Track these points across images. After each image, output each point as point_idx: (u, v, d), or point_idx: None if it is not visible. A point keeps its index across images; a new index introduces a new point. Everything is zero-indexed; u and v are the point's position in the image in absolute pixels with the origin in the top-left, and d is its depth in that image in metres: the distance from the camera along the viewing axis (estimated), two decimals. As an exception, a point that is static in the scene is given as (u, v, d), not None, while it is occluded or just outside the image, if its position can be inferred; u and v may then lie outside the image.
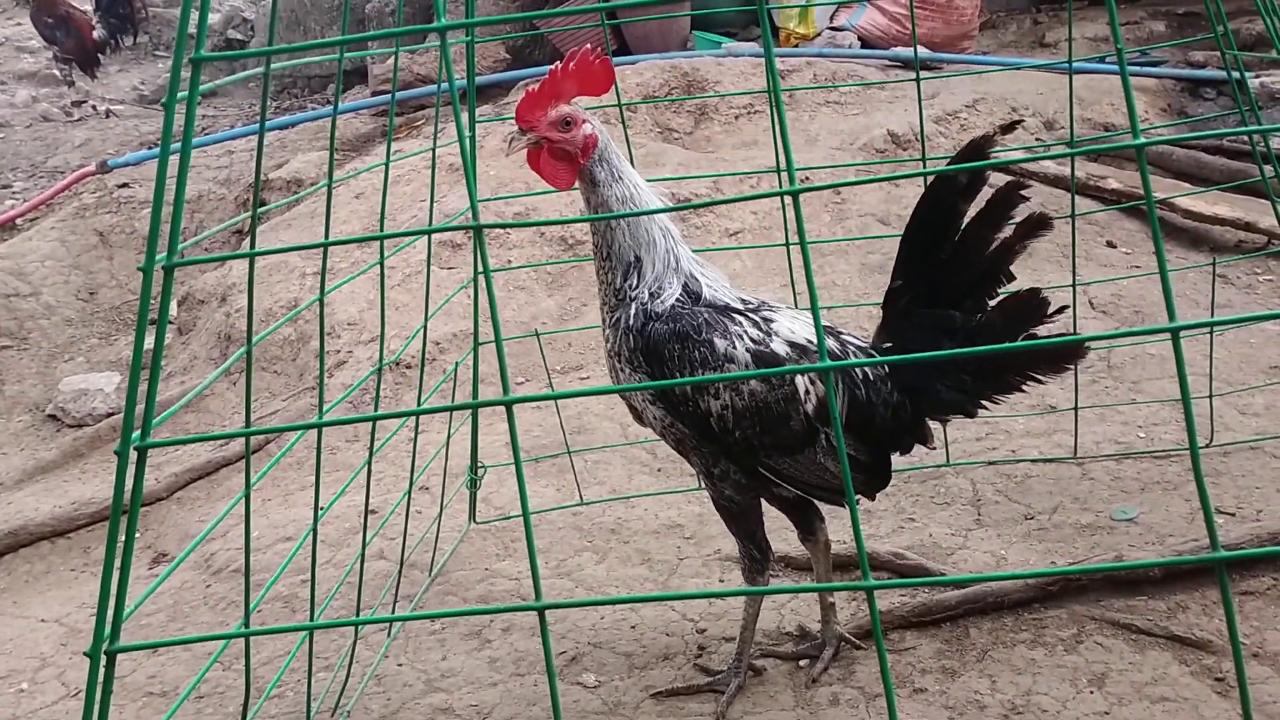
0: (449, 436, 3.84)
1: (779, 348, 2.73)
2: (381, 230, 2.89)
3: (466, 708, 3.13)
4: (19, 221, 7.58)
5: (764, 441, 2.75)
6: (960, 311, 2.77)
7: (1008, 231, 2.77)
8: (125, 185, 7.54)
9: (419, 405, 3.46)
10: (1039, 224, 2.72)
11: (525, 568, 3.81)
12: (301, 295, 5.77)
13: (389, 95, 8.43)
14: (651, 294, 2.71)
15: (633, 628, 3.43)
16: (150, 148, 8.94)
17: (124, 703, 3.34)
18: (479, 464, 4.05)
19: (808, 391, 2.74)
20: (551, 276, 5.91)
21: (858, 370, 2.79)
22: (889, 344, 2.86)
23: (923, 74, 8.06)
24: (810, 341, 2.76)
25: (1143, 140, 1.43)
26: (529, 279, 5.84)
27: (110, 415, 5.60)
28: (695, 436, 2.77)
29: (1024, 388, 2.82)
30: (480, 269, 4.10)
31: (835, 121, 7.12)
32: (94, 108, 10.86)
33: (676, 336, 2.68)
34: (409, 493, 3.52)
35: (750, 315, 2.77)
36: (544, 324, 5.46)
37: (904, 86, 6.93)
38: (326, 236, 2.33)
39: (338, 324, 5.52)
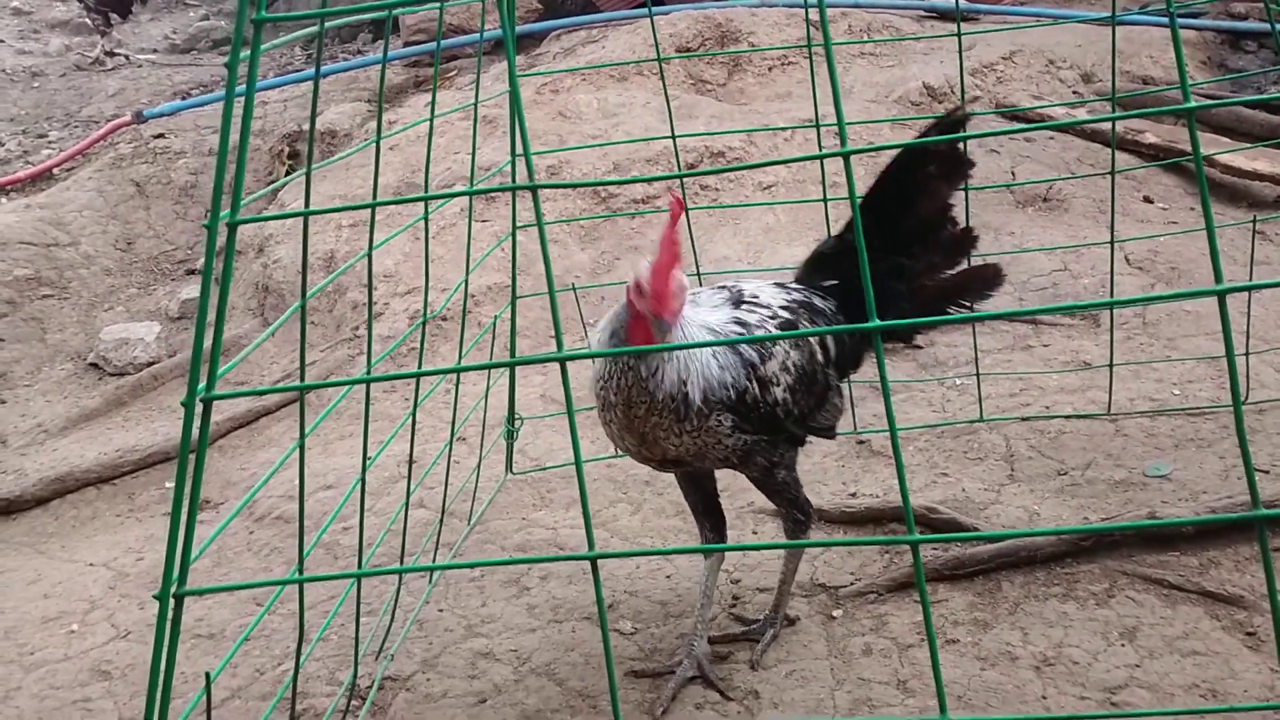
0: (487, 390, 3.90)
1: (786, 315, 2.88)
2: (426, 190, 2.93)
3: (506, 652, 3.20)
4: (56, 171, 7.65)
5: (809, 405, 2.88)
6: (908, 258, 2.99)
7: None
8: (161, 136, 7.58)
9: (459, 359, 3.50)
10: (960, 165, 3.00)
11: (561, 517, 3.87)
12: (338, 247, 5.82)
13: (422, 46, 8.39)
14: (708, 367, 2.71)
15: (668, 577, 3.48)
16: (183, 98, 8.97)
17: (173, 645, 3.43)
18: (516, 416, 4.11)
19: (823, 344, 2.92)
20: (584, 230, 5.93)
21: (828, 314, 2.98)
22: (835, 281, 3.05)
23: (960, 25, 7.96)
24: (790, 302, 2.93)
25: (1193, 104, 1.44)
26: (562, 233, 5.87)
27: (151, 364, 5.68)
28: (765, 438, 2.80)
29: (951, 312, 3.10)
30: (522, 225, 4.11)
31: (870, 74, 7.07)
32: (127, 57, 10.89)
33: (745, 363, 2.74)
34: (450, 444, 3.58)
35: (747, 303, 2.87)
36: (577, 278, 5.49)
37: (938, 40, 6.86)
38: (374, 196, 2.36)
39: (374, 276, 5.57)
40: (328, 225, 5.92)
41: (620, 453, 2.98)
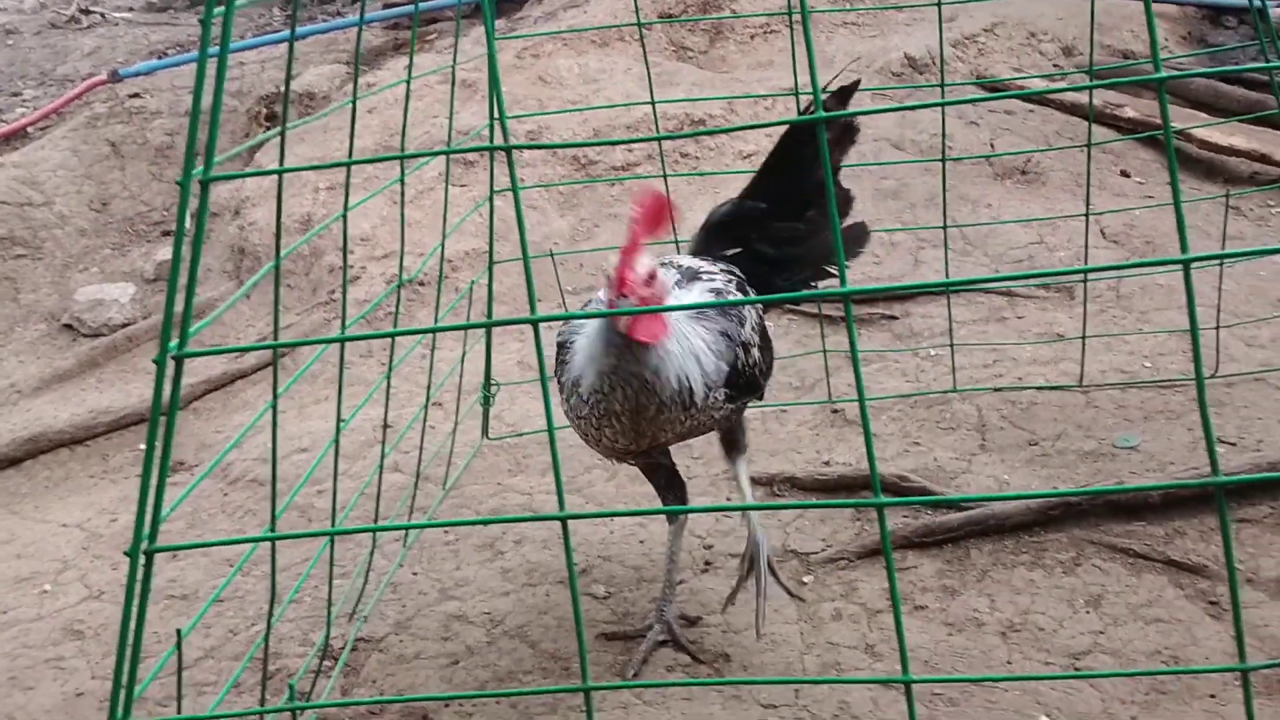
0: (463, 354, 3.90)
1: (732, 282, 2.96)
2: (402, 150, 2.92)
3: (480, 615, 3.22)
4: (30, 130, 7.56)
5: (770, 359, 2.99)
6: (803, 222, 3.10)
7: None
8: (136, 95, 7.50)
9: (435, 322, 3.50)
10: (851, 130, 3.12)
11: (536, 483, 3.89)
12: (314, 209, 5.79)
13: (401, 8, 8.31)
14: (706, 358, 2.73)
15: (641, 542, 3.51)
16: (160, 57, 8.87)
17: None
18: (492, 381, 4.11)
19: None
20: (564, 196, 5.91)
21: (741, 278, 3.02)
22: (738, 249, 3.11)
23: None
24: (725, 269, 3.00)
25: (1164, 74, 1.45)
26: (541, 199, 5.85)
27: (125, 325, 5.65)
28: (744, 400, 2.88)
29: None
30: (500, 189, 4.10)
31: (852, 43, 7.04)
32: (103, 15, 10.75)
33: (724, 335, 2.78)
34: (425, 409, 3.58)
35: (702, 278, 2.90)
36: (556, 244, 5.47)
37: (921, 10, 6.85)
38: (350, 155, 2.35)
39: (351, 239, 5.54)
40: (304, 188, 5.88)
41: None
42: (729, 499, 3.69)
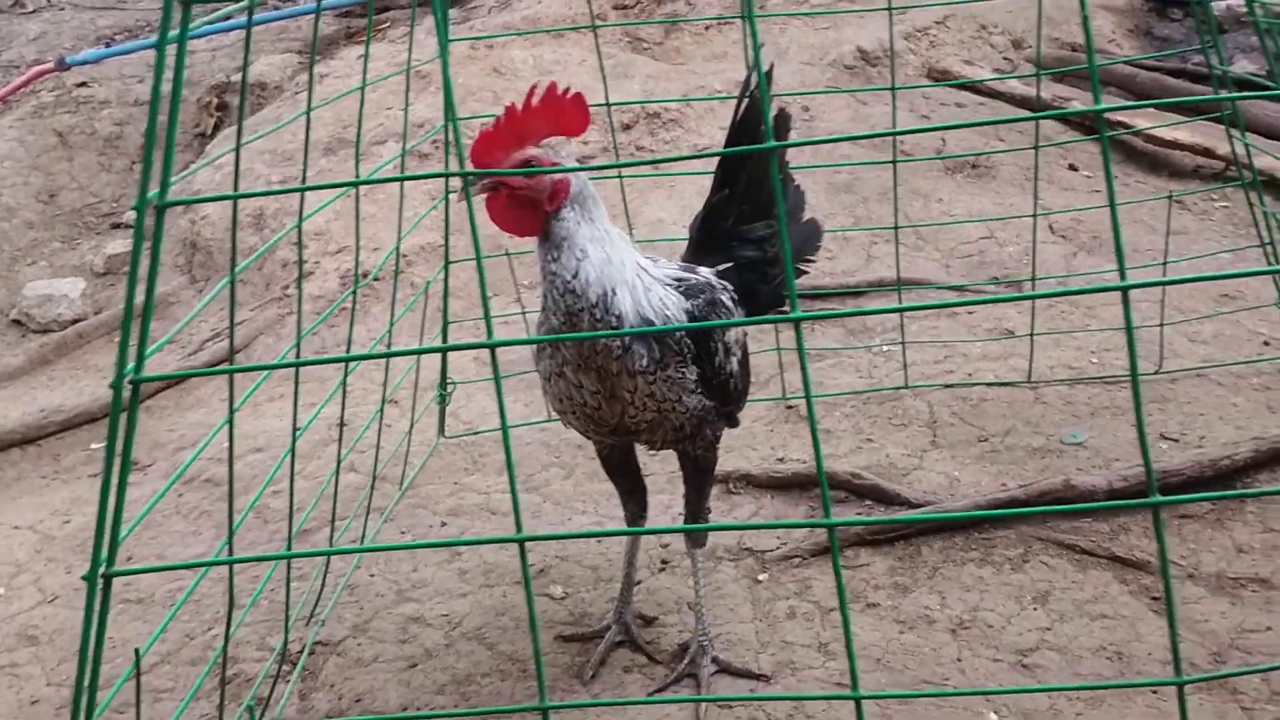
0: (420, 353, 3.90)
1: (725, 289, 2.86)
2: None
3: (437, 617, 3.24)
4: (-26, 119, 7.43)
5: (746, 383, 2.93)
6: (767, 226, 3.01)
7: None
8: (84, 84, 7.39)
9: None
10: (786, 120, 3.10)
11: (493, 482, 3.90)
12: (266, 204, 5.75)
13: (355, -2, 8.15)
14: (656, 305, 2.63)
15: (599, 542, 3.54)
16: (108, 43, 8.73)
17: (101, 609, 3.42)
18: (448, 380, 4.12)
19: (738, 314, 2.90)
20: (519, 189, 5.90)
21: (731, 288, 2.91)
22: (728, 264, 2.95)
23: (894, -13, 7.98)
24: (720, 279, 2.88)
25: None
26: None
27: (76, 321, 5.59)
28: (714, 408, 2.77)
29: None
30: (456, 189, 4.07)
31: (806, 35, 7.08)
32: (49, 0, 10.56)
33: (712, 305, 2.70)
34: (381, 408, 3.58)
35: (691, 271, 2.83)
36: (512, 238, 5.46)
37: (873, 1, 6.90)
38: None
39: (304, 234, 5.51)
40: (256, 181, 5.84)
41: (551, 418, 2.97)
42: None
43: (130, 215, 6.42)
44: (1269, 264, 4.09)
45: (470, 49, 6.72)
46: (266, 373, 2.65)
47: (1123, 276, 1.50)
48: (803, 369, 1.56)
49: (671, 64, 6.94)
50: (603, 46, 6.82)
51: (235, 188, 1.96)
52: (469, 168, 2.41)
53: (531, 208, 2.51)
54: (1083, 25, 1.39)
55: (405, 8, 8.05)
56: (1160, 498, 1.49)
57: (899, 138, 6.06)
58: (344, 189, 3.02)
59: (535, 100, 2.48)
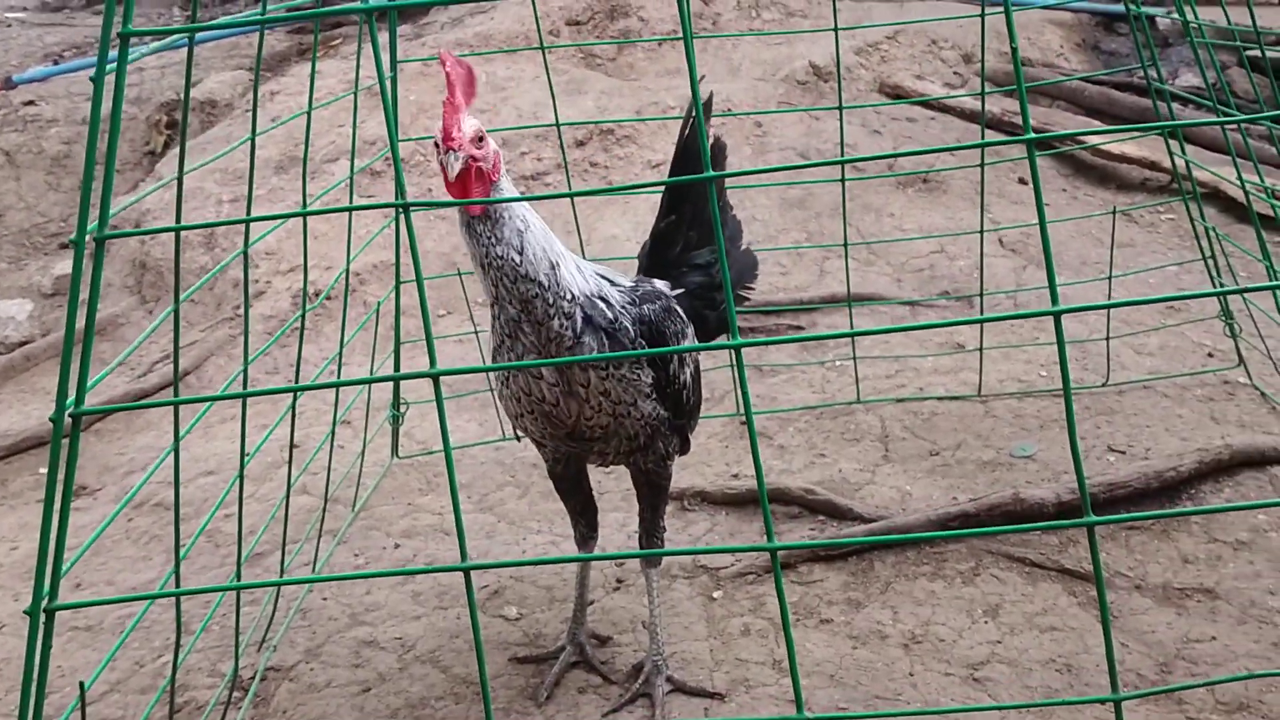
0: (372, 374, 3.88)
1: (674, 301, 2.87)
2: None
3: (390, 640, 3.22)
4: (-81, 138, 7.32)
5: (698, 394, 2.94)
6: (711, 252, 3.06)
7: None
8: (31, 103, 7.31)
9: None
10: (721, 149, 3.13)
11: (447, 503, 3.89)
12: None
13: (305, 12, 8.21)
14: (599, 290, 2.64)
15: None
16: (55, 62, 8.65)
17: (49, 638, 3.37)
18: (401, 400, 4.11)
19: (693, 331, 2.92)
20: (473, 206, 5.90)
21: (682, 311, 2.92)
22: (679, 290, 2.97)
23: (846, 1, 8.06)
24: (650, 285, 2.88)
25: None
26: (450, 210, 5.83)
27: (23, 344, 5.52)
28: (667, 420, 2.78)
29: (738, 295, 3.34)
30: (408, 207, 4.11)
31: (758, 51, 7.14)
32: (-6, 16, 10.43)
33: (667, 313, 2.73)
34: (333, 429, 3.57)
35: (646, 282, 2.84)
36: (465, 255, 5.46)
37: (827, 15, 6.96)
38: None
39: (255, 253, 5.48)
40: (206, 200, 5.80)
41: (519, 434, 2.94)
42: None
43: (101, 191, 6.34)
44: (1210, 276, 4.16)
45: (423, 65, 6.71)
46: (210, 403, 2.62)
47: (1055, 301, 1.53)
48: (743, 392, 1.58)
49: (625, 80, 6.97)
50: (557, 62, 6.85)
51: (177, 219, 1.95)
52: (440, 151, 2.42)
53: (481, 178, 2.52)
54: (1012, 57, 1.40)
55: (357, 24, 8.02)
56: (1095, 518, 1.51)
57: (849, 149, 6.12)
58: (287, 218, 3.00)
59: (455, 73, 2.49)
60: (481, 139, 2.48)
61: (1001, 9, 1.60)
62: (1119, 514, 3.48)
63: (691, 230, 3.05)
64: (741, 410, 4.24)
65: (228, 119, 7.05)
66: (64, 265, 6.10)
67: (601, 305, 2.61)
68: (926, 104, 6.63)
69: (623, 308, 2.66)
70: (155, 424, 4.73)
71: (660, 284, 2.86)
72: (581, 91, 6.60)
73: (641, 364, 2.66)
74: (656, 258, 3.06)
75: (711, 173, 1.55)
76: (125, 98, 7.13)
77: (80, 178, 6.90)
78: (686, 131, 2.98)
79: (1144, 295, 4.80)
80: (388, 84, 3.47)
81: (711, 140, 3.05)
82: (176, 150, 6.76)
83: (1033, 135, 1.49)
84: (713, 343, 3.02)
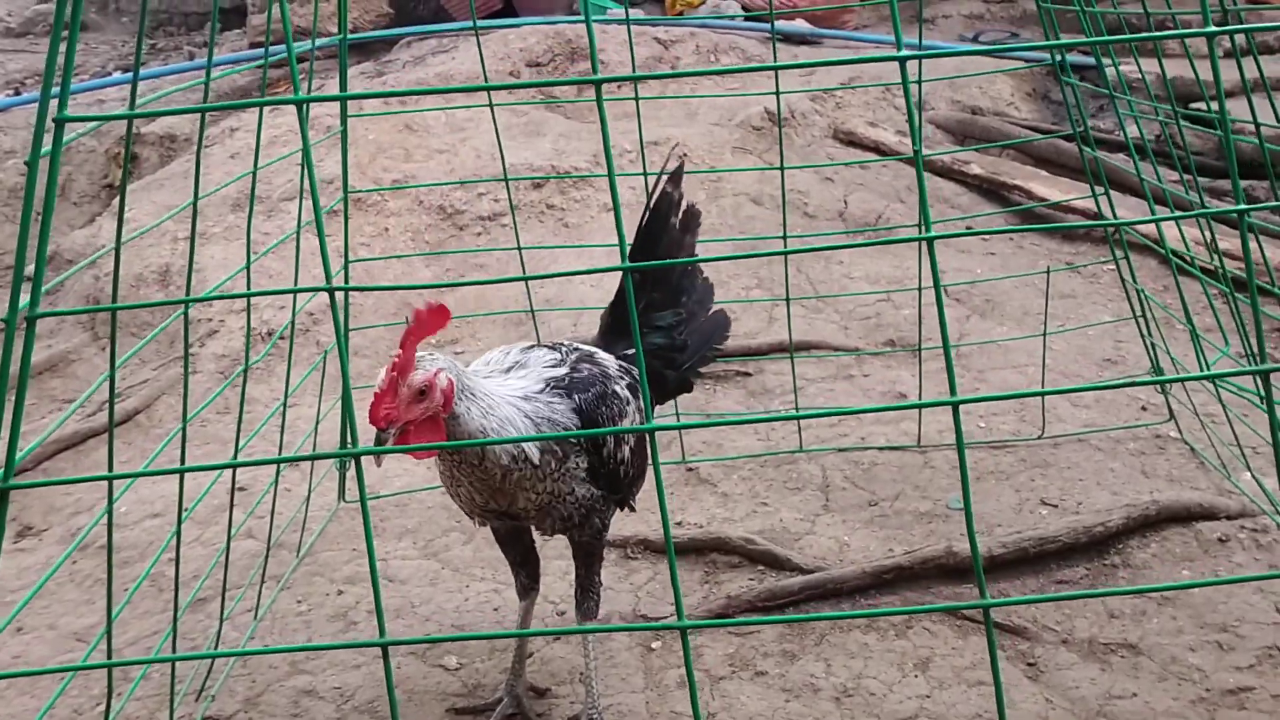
0: (318, 419, 3.92)
1: (622, 377, 2.91)
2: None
3: (330, 690, 3.25)
4: (-126, 166, 7.29)
5: (640, 465, 2.97)
6: (682, 308, 3.18)
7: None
8: (-12, 132, 7.31)
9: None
10: (694, 216, 3.22)
11: (393, 548, 3.92)
12: (172, 260, 5.72)
13: (256, 51, 8.18)
14: (536, 415, 2.68)
15: (495, 609, 3.57)
16: (16, 91, 8.64)
17: (-14, 684, 3.37)
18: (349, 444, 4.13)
19: (635, 406, 2.93)
20: (430, 246, 5.95)
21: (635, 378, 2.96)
22: (631, 350, 3.03)
23: (801, 48, 8.21)
24: (623, 364, 2.97)
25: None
26: (406, 247, 5.88)
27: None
28: (603, 496, 2.82)
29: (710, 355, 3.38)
30: (359, 259, 4.17)
31: (715, 97, 7.24)
32: (-45, 41, 10.41)
33: (600, 399, 2.77)
34: (277, 475, 3.59)
35: (588, 360, 2.88)
36: (420, 295, 5.51)
37: (784, 60, 7.08)
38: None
39: (210, 290, 5.49)
40: (162, 237, 5.81)
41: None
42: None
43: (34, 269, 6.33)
44: (1141, 333, 4.27)
45: (384, 104, 6.77)
46: (151, 458, 2.66)
47: (953, 391, 1.60)
48: (655, 470, 1.63)
49: (583, 122, 7.05)
50: (517, 105, 6.92)
51: (114, 298, 1.99)
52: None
53: (434, 423, 2.50)
54: (909, 120, 1.47)
55: (320, 59, 8.07)
56: (991, 600, 1.58)
57: (801, 196, 6.22)
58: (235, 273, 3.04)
59: (410, 328, 2.45)
60: (424, 391, 2.43)
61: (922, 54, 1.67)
62: (1050, 568, 3.58)
63: (655, 291, 3.13)
64: (688, 457, 4.29)
65: (187, 154, 7.07)
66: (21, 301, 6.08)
67: (547, 430, 2.67)
68: (879, 149, 6.75)
69: (552, 412, 2.69)
70: (102, 465, 4.73)
71: (605, 357, 2.91)
72: (540, 133, 6.67)
73: (578, 452, 2.72)
74: (618, 316, 3.13)
75: (627, 264, 1.61)
76: (85, 130, 7.11)
77: (37, 209, 6.89)
78: (655, 195, 3.07)
79: (1081, 347, 4.91)
80: (350, 120, 3.52)
81: (685, 205, 3.17)
82: (133, 186, 6.77)
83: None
84: (626, 426, 2.92)
